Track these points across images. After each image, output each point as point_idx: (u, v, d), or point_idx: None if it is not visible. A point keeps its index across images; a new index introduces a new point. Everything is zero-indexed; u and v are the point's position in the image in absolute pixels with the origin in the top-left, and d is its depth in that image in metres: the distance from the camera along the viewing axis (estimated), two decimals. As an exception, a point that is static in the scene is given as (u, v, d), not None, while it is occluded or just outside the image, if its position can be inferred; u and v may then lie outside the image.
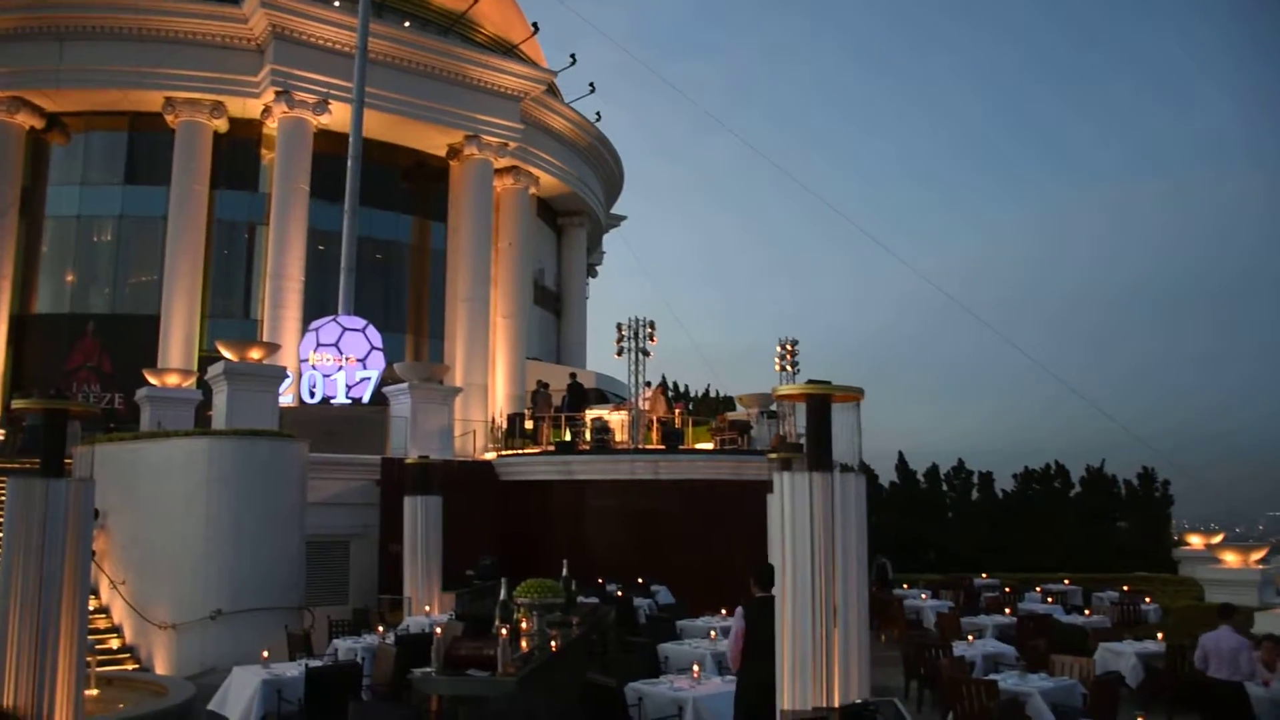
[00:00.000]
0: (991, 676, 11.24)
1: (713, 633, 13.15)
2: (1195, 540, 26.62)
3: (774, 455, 17.59)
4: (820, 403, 6.90)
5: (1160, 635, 13.88)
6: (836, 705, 6.50)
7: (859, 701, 6.33)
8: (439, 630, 9.69)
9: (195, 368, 23.73)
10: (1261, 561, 20.87)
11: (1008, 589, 21.71)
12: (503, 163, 29.85)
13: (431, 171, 29.78)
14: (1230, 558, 21.23)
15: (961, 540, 30.85)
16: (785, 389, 7.25)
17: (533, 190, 31.97)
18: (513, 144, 29.49)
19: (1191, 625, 16.88)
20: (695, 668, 10.22)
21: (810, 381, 6.97)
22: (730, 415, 25.06)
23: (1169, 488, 32.80)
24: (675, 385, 38.62)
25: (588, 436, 22.66)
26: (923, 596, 19.86)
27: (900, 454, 33.40)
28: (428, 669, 9.12)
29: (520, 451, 23.49)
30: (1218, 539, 25.11)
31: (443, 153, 29.48)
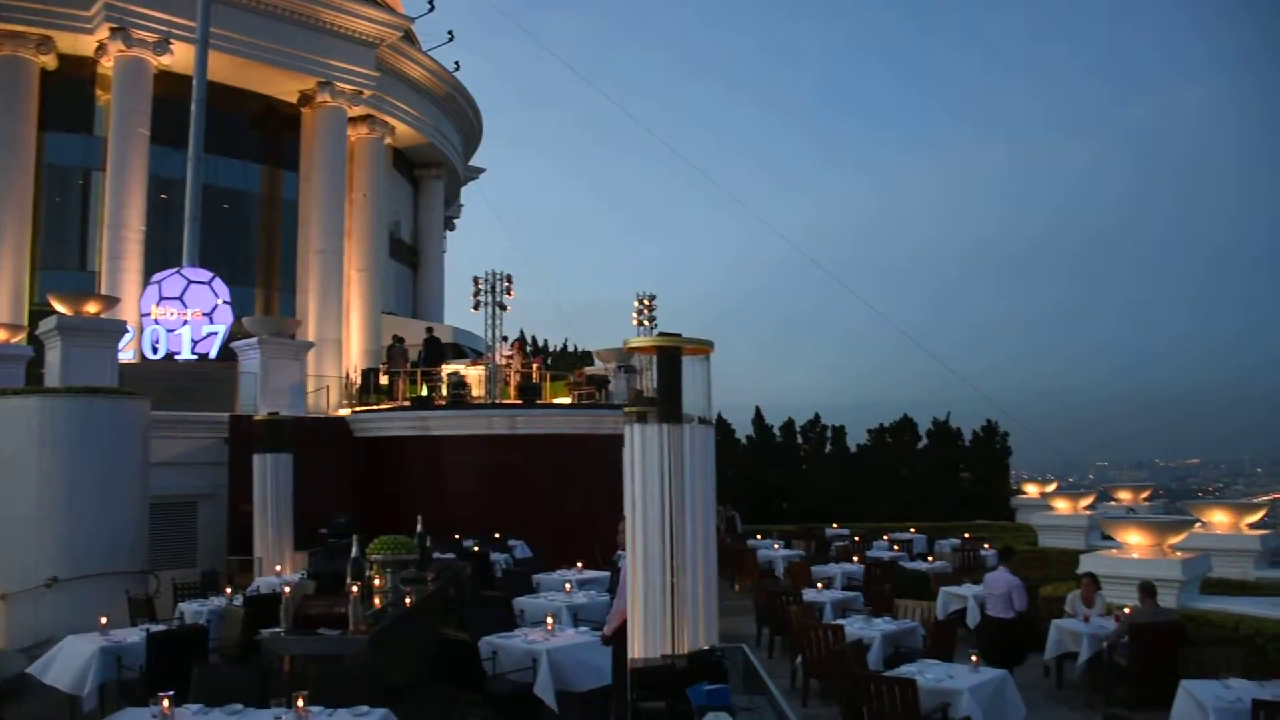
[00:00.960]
0: (839, 621, 11.66)
1: (568, 585, 13.25)
2: (1031, 489, 27.96)
3: (630, 409, 17.71)
4: (670, 355, 6.94)
5: (995, 579, 14.55)
6: (685, 652, 6.59)
7: (708, 648, 6.44)
8: (288, 590, 9.49)
9: (25, 322, 22.51)
10: (1089, 508, 22.00)
11: (857, 538, 22.47)
12: (357, 111, 28.98)
13: (282, 118, 28.66)
14: (1061, 505, 22.30)
15: (815, 491, 31.69)
16: (636, 341, 7.28)
17: (388, 140, 31.18)
18: (368, 92, 28.64)
19: (1025, 569, 17.76)
20: (549, 620, 10.28)
21: (661, 334, 7.01)
22: (588, 370, 25.10)
23: (1008, 440, 34.32)
24: (533, 340, 38.41)
25: (444, 392, 22.42)
26: (775, 546, 20.35)
27: (757, 408, 34.04)
28: (277, 629, 8.94)
29: (375, 408, 23.10)
30: (1051, 488, 26.38)
31: (294, 99, 28.40)
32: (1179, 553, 13.68)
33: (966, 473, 33.66)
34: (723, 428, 32.99)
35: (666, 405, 6.92)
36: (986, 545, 20.66)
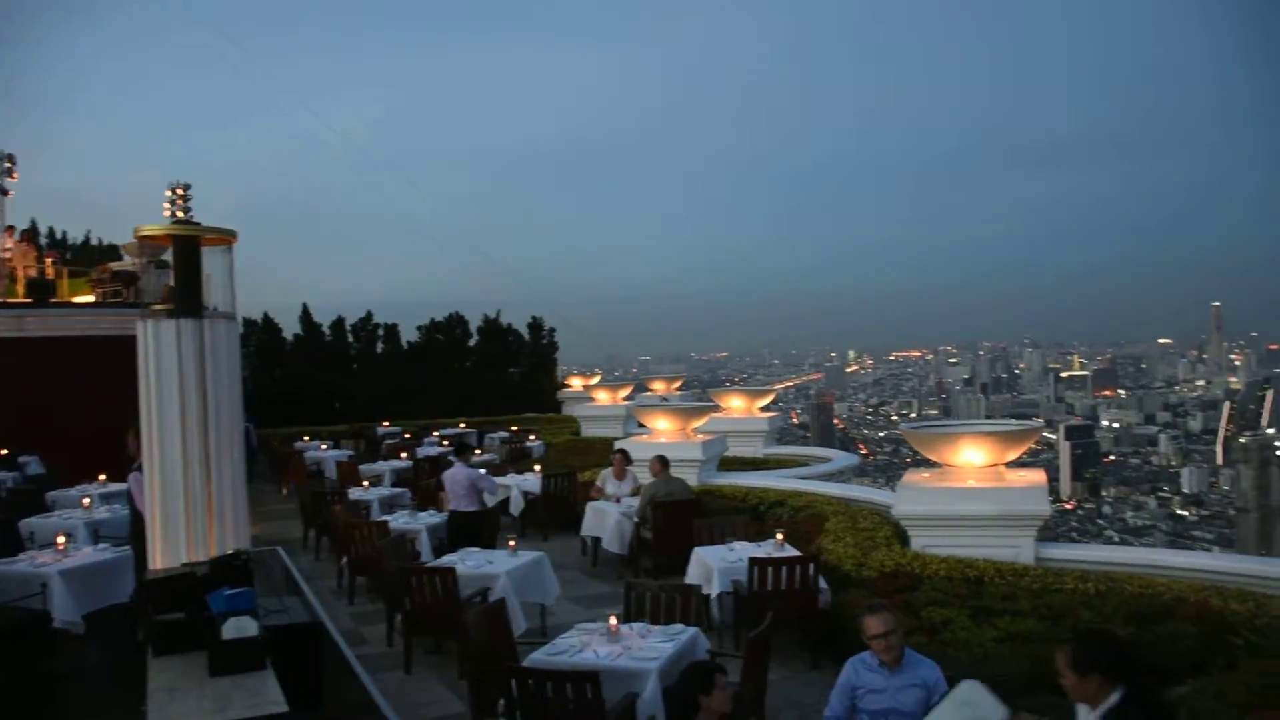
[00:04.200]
0: (384, 518, 11.64)
1: (87, 500, 12.14)
2: (576, 382, 29.43)
3: (158, 306, 16.41)
4: (188, 244, 6.43)
5: (538, 468, 15.21)
6: (209, 559, 6.26)
7: (232, 552, 6.14)
8: None
9: None
10: (627, 398, 23.54)
11: (408, 435, 22.55)
12: None
13: None
14: (603, 396, 23.68)
15: (367, 390, 31.26)
16: (149, 229, 6.64)
17: None
18: None
19: (569, 458, 18.74)
20: (60, 539, 9.35)
21: (176, 222, 6.44)
22: (114, 265, 22.82)
23: (555, 335, 35.78)
24: (50, 231, 34.31)
25: (-70, 290, 19.48)
26: (323, 447, 19.95)
27: (305, 306, 32.83)
28: None
29: None
30: (594, 380, 27.93)
31: None
32: (700, 435, 15.00)
33: (516, 368, 34.74)
34: (269, 327, 31.61)
35: (185, 298, 6.41)
36: (533, 437, 21.50)
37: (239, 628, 5.18)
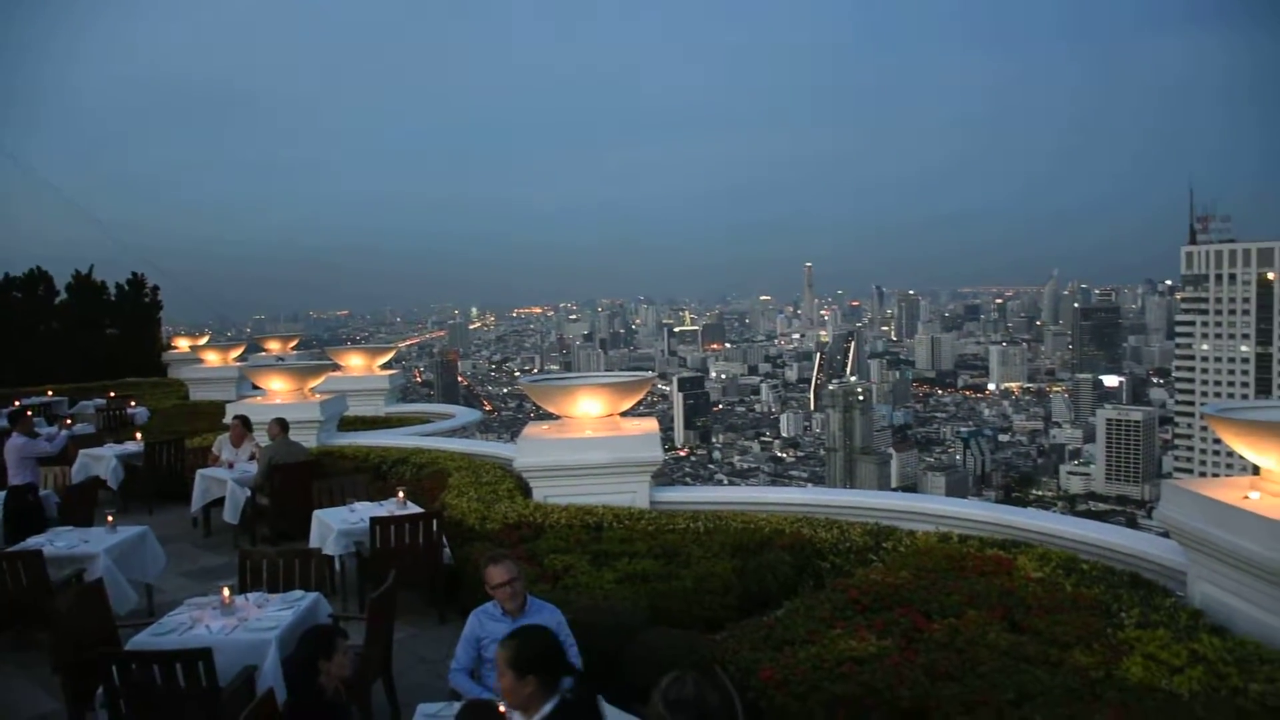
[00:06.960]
0: (-49, 501, 10.36)
1: None
2: (182, 343, 27.58)
3: None
4: None
5: (138, 435, 14.08)
6: None
7: None
8: None
9: None
10: (239, 359, 22.36)
11: (-21, 406, 20.19)
12: None
13: None
14: (212, 357, 22.37)
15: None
16: None
17: None
18: None
19: (177, 423, 17.55)
20: None
21: None
22: None
23: (159, 293, 33.22)
24: None
25: None
26: None
27: None
28: None
29: None
30: (203, 341, 26.29)
31: None
32: (318, 395, 14.55)
33: (113, 329, 31.98)
34: None
35: None
36: (134, 403, 19.91)
37: None
